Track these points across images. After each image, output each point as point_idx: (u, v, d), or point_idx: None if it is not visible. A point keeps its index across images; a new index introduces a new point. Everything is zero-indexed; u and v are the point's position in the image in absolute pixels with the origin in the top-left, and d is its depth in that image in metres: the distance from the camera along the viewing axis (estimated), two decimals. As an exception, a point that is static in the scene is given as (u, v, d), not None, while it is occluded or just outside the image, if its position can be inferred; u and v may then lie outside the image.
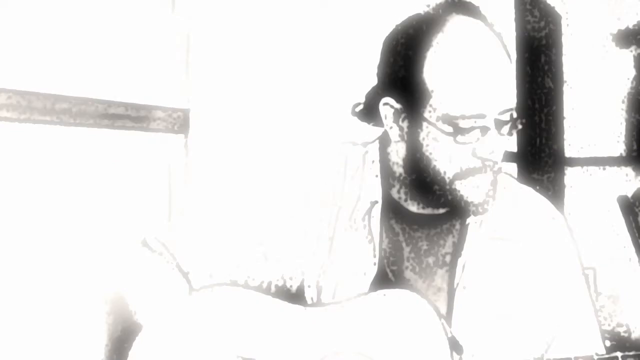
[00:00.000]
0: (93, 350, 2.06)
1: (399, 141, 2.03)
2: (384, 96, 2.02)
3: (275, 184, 2.14)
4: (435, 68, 1.95)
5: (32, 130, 2.67)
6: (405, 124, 2.00)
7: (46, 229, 2.69)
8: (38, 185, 2.69)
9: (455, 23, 1.96)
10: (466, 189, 1.98)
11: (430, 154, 1.97)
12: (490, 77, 1.94)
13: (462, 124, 1.93)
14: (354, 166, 2.12)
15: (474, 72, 1.93)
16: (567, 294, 2.10)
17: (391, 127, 2.02)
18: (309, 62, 3.36)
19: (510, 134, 1.99)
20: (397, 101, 2.00)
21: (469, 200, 1.98)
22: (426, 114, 1.96)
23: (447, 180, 1.97)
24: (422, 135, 1.98)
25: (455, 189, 1.98)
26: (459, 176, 1.97)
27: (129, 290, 2.05)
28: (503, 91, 1.96)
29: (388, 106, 2.02)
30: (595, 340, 2.10)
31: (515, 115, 1.98)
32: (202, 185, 3.09)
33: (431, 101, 1.95)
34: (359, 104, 2.10)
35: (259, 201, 2.12)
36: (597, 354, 1.92)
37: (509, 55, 2.00)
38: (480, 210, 2.00)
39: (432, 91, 1.95)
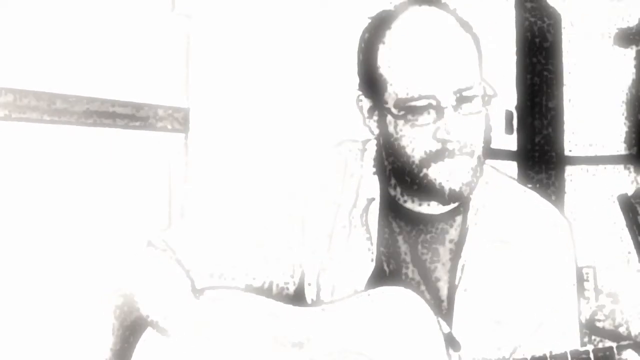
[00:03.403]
0: (101, 346, 2.06)
1: (377, 134, 2.06)
2: (359, 94, 2.05)
3: (274, 182, 2.14)
4: (386, 55, 1.99)
5: (32, 130, 2.68)
6: (376, 117, 2.04)
7: (47, 228, 2.70)
8: (38, 184, 2.69)
9: (409, 13, 2.00)
10: (437, 175, 1.98)
11: (397, 141, 1.99)
12: (439, 57, 1.96)
13: (413, 105, 1.95)
14: (353, 164, 2.12)
15: (420, 53, 1.96)
16: (557, 298, 2.10)
17: (369, 123, 2.06)
18: (309, 61, 3.36)
19: (480, 113, 1.99)
20: (367, 96, 2.04)
21: (441, 185, 1.98)
22: (386, 104, 1.99)
23: (416, 166, 1.98)
24: (388, 124, 2.01)
25: (426, 176, 1.98)
26: (426, 161, 1.97)
27: (135, 287, 2.06)
28: (456, 70, 1.96)
29: (361, 102, 2.06)
30: (573, 339, 2.11)
31: (476, 93, 1.97)
32: (202, 184, 3.10)
33: (386, 88, 1.98)
34: None
35: (258, 200, 2.13)
36: (570, 350, 1.94)
37: (473, 38, 2.00)
38: (458, 197, 2.00)
39: (386, 78, 1.99)
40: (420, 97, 1.95)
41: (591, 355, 1.93)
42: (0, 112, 2.58)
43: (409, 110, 1.96)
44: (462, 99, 1.96)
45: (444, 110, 1.95)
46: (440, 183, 1.98)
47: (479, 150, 1.99)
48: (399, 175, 2.04)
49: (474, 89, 1.96)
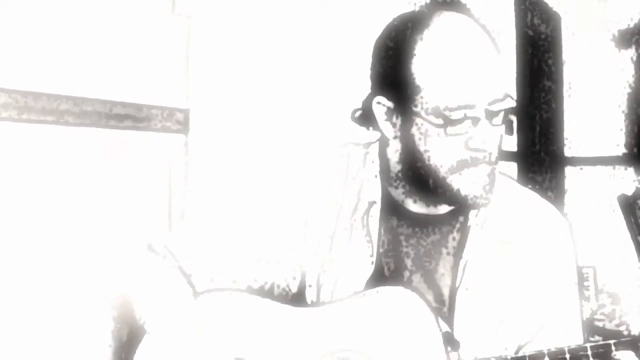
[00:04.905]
0: (100, 353, 2.07)
1: (394, 139, 2.05)
2: (377, 95, 2.04)
3: (275, 184, 2.15)
4: (423, 62, 1.98)
5: (32, 130, 2.67)
6: (398, 121, 2.03)
7: (45, 230, 2.69)
8: (38, 185, 2.69)
9: (441, 19, 2.00)
10: (462, 183, 1.99)
11: (424, 148, 1.99)
12: (478, 68, 1.97)
13: (452, 115, 1.96)
14: (355, 167, 2.13)
15: (461, 63, 1.96)
16: (559, 297, 2.11)
17: (385, 126, 2.04)
18: (309, 61, 3.36)
19: (503, 124, 2.01)
20: (389, 99, 2.03)
21: (466, 193, 2.00)
22: (417, 109, 1.98)
23: (442, 175, 1.99)
24: (414, 130, 2.00)
25: (450, 184, 1.99)
26: (453, 170, 1.98)
27: (134, 293, 2.06)
28: (491, 82, 1.98)
29: (380, 105, 2.05)
30: (576, 337, 2.11)
31: (508, 105, 1.99)
32: (202, 185, 3.09)
33: (421, 95, 1.98)
34: (358, 109, 2.12)
35: (259, 201, 2.13)
36: (568, 347, 1.95)
37: (497, 48, 2.02)
38: (479, 204, 2.02)
39: (421, 85, 1.98)
40: (460, 107, 1.96)
41: (589, 352, 1.94)
42: (0, 113, 2.58)
43: (446, 119, 1.96)
44: (494, 109, 1.97)
45: (480, 121, 1.96)
46: (464, 191, 2.00)
47: (496, 158, 2.01)
48: (418, 180, 2.04)
49: (504, 100, 1.98)
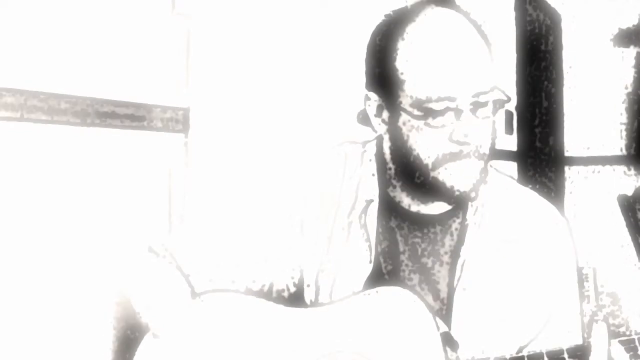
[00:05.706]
0: (100, 353, 2.07)
1: (385, 134, 2.06)
2: (368, 91, 2.05)
3: (274, 184, 2.15)
4: (406, 55, 1.99)
5: (31, 130, 2.68)
6: (386, 116, 2.04)
7: (46, 230, 2.69)
8: (37, 185, 2.69)
9: (427, 14, 2.01)
10: (448, 177, 1.99)
11: (410, 141, 2.00)
12: (460, 61, 1.97)
13: (433, 107, 1.96)
14: (352, 165, 2.13)
15: (442, 55, 1.97)
16: (559, 297, 2.11)
17: (376, 122, 2.06)
18: (309, 61, 3.37)
19: (494, 117, 2.01)
20: (377, 94, 2.04)
21: (452, 187, 1.99)
22: (401, 102, 1.99)
23: (428, 168, 1.99)
24: (400, 123, 2.01)
25: (436, 177, 1.99)
26: (438, 163, 1.98)
27: (135, 293, 2.06)
28: (475, 74, 1.97)
29: (370, 101, 2.06)
30: (576, 335, 2.11)
31: (495, 97, 1.99)
32: (202, 185, 3.10)
33: (404, 88, 1.98)
34: (362, 110, 2.12)
35: (258, 201, 2.13)
36: (566, 348, 1.95)
37: (486, 42, 2.01)
38: (467, 198, 2.02)
39: (404, 78, 1.99)
40: (440, 99, 1.96)
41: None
42: (0, 112, 2.58)
43: (427, 111, 1.96)
44: (478, 102, 1.97)
45: (462, 113, 1.96)
46: (451, 185, 2.00)
47: (486, 152, 2.00)
48: (407, 175, 2.04)
49: (490, 93, 1.98)
